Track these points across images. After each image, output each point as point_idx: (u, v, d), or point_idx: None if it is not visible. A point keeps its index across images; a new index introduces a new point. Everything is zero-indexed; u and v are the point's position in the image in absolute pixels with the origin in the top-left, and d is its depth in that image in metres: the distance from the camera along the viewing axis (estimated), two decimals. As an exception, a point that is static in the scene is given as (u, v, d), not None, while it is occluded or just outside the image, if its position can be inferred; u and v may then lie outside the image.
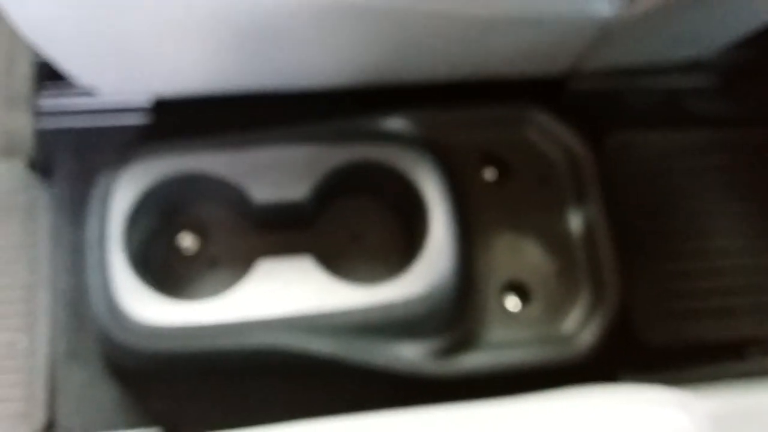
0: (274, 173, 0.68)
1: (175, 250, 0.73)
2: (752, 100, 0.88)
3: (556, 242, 0.76)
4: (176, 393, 0.70)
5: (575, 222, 0.77)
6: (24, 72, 0.83)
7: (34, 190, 0.77)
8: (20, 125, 0.81)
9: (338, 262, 0.70)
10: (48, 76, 0.77)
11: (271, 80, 0.74)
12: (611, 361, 0.73)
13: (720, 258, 0.81)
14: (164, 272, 0.72)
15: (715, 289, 0.80)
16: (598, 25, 0.68)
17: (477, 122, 0.79)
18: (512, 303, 0.74)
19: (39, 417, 0.69)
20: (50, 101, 0.78)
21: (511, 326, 0.72)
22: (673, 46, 0.79)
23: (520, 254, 0.75)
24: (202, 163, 0.68)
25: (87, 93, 0.76)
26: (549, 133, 0.79)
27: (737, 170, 0.84)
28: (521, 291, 0.75)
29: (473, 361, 0.69)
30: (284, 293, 0.64)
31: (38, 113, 0.78)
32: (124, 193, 0.66)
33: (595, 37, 0.71)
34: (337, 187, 0.72)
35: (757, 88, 0.88)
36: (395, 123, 0.75)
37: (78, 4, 0.56)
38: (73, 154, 0.78)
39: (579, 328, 0.72)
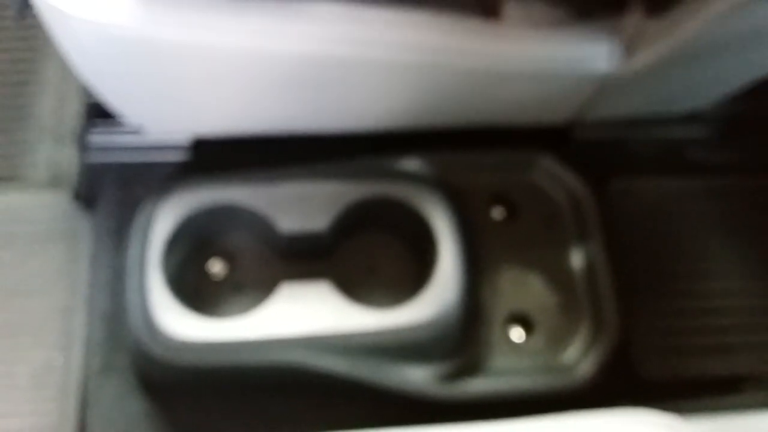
0: (298, 206, 0.73)
1: (206, 275, 0.78)
2: (747, 149, 0.91)
3: (559, 278, 0.79)
4: (202, 408, 0.74)
5: (577, 260, 0.80)
6: (73, 111, 0.89)
7: (76, 218, 0.83)
8: (67, 159, 0.87)
9: (354, 289, 0.74)
10: (97, 114, 0.83)
11: (299, 124, 0.80)
12: (609, 393, 0.74)
13: (717, 298, 0.84)
14: (195, 294, 0.76)
15: (712, 328, 0.82)
16: (599, 80, 0.73)
17: (487, 165, 0.83)
18: (516, 334, 0.78)
19: (71, 428, 0.73)
20: (98, 138, 0.84)
21: (514, 355, 0.76)
22: (671, 100, 0.84)
23: (524, 288, 0.79)
24: (234, 195, 0.73)
25: (132, 131, 0.82)
26: (554, 177, 0.83)
27: (734, 215, 0.87)
28: (525, 322, 0.78)
29: (478, 386, 0.73)
30: (303, 314, 0.69)
31: (86, 148, 0.84)
32: (163, 221, 0.71)
33: (596, 91, 0.75)
34: (355, 221, 0.76)
35: (751, 138, 0.92)
36: (411, 164, 0.80)
37: (131, 59, 0.62)
38: (116, 187, 0.83)
39: (579, 359, 0.75)
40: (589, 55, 0.70)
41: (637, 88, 0.76)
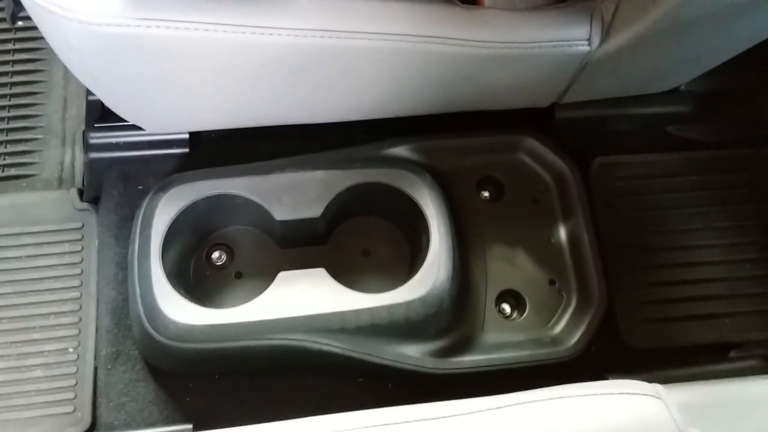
0: (293, 195, 0.73)
1: (207, 264, 0.78)
2: (725, 124, 0.91)
3: (547, 254, 0.79)
4: (206, 391, 0.74)
5: (563, 236, 0.80)
6: (76, 114, 0.90)
7: (83, 215, 0.83)
8: (73, 159, 0.88)
9: (350, 274, 0.74)
10: (98, 113, 0.83)
11: (292, 116, 0.79)
12: (598, 363, 0.75)
13: (700, 268, 0.83)
14: (197, 283, 0.76)
15: (696, 297, 0.82)
16: (579, 61, 0.72)
17: (475, 148, 0.83)
18: (507, 309, 0.78)
19: (85, 416, 0.74)
20: (99, 135, 0.83)
21: (505, 330, 0.76)
22: (649, 78, 0.83)
23: (514, 265, 0.79)
24: (231, 187, 0.73)
25: (131, 128, 0.81)
26: (539, 157, 0.83)
27: (713, 188, 0.87)
28: (515, 298, 0.78)
29: (471, 360, 0.73)
30: (301, 299, 0.69)
31: (89, 146, 0.83)
32: (163, 213, 0.71)
33: (577, 72, 0.75)
34: (348, 207, 0.76)
35: (729, 113, 0.92)
36: (400, 150, 0.80)
37: (122, 57, 0.62)
38: (118, 182, 0.83)
39: (568, 332, 0.75)
40: (569, 37, 0.69)
41: (616, 67, 0.75)
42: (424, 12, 0.65)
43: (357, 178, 0.74)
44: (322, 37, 0.62)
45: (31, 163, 0.88)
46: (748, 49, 0.75)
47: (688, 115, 0.89)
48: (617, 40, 0.70)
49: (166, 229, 0.70)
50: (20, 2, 0.57)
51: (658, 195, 0.86)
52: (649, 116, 0.88)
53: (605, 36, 0.69)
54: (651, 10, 0.66)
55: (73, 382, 0.76)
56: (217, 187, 0.73)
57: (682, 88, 0.88)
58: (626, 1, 0.68)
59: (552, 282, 0.78)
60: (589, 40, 0.69)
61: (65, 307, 0.79)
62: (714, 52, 0.77)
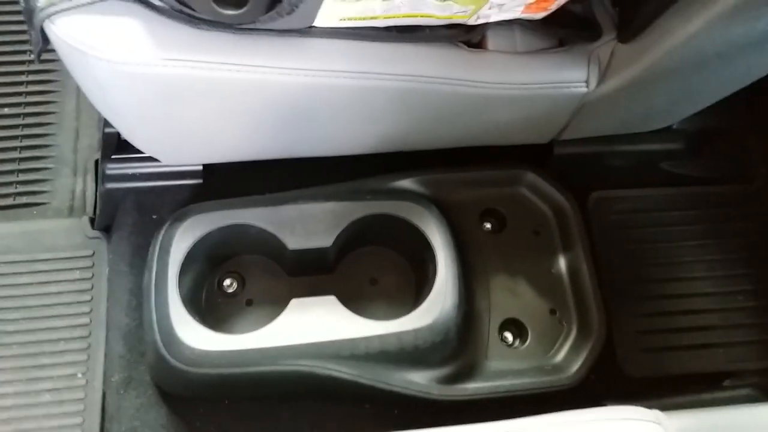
0: (304, 225, 0.75)
1: (220, 292, 0.80)
2: (717, 161, 0.94)
3: (547, 285, 0.82)
4: (216, 416, 0.75)
5: (564, 267, 0.83)
6: (89, 143, 0.92)
7: (94, 243, 0.85)
8: (84, 189, 0.89)
9: (357, 302, 0.75)
10: (114, 144, 0.85)
11: (302, 150, 0.82)
12: (597, 391, 0.77)
13: (694, 299, 0.86)
14: (209, 310, 0.78)
15: (692, 328, 0.84)
16: (577, 102, 0.76)
17: (478, 182, 0.86)
18: (509, 337, 0.80)
19: (93, 443, 0.74)
20: (114, 166, 0.85)
21: (508, 358, 0.78)
22: (644, 117, 0.86)
23: (516, 295, 0.81)
24: (245, 217, 0.75)
25: (146, 159, 0.84)
26: (539, 190, 0.86)
27: (707, 222, 0.90)
28: (517, 327, 0.80)
29: (475, 387, 0.74)
30: (312, 326, 0.70)
31: (103, 176, 0.85)
32: (180, 242, 0.73)
33: (575, 111, 0.78)
34: (357, 237, 0.78)
35: (719, 150, 0.95)
36: (406, 183, 0.83)
37: (146, 95, 0.64)
38: (131, 213, 0.84)
39: (568, 360, 0.77)
40: (568, 79, 0.72)
41: (612, 107, 0.78)
42: (432, 54, 0.68)
43: (367, 209, 0.76)
44: (335, 77, 0.65)
45: (42, 192, 0.90)
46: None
47: (680, 152, 0.92)
48: (613, 83, 0.73)
49: (183, 257, 0.72)
50: (48, 39, 0.60)
51: (654, 228, 0.88)
52: (643, 153, 0.91)
53: (602, 78, 0.73)
54: (645, 55, 0.70)
55: (81, 407, 0.77)
56: (232, 217, 0.75)
57: (675, 126, 0.92)
58: (622, 46, 0.72)
59: (553, 311, 0.80)
60: (586, 81, 0.73)
61: (75, 333, 0.80)
62: (706, 93, 0.81)
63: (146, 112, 0.67)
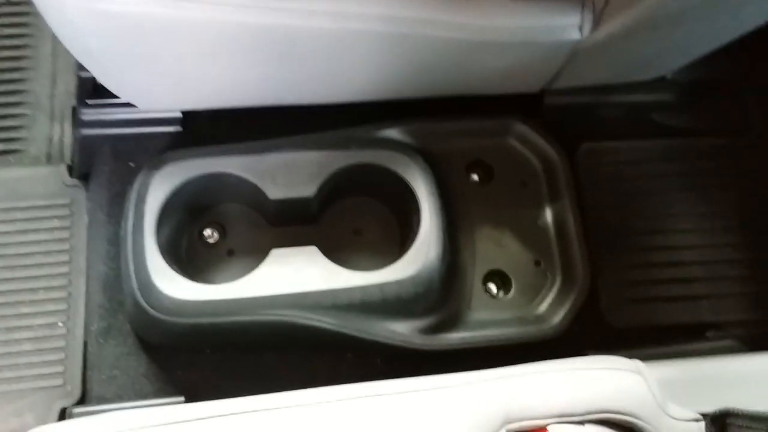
0: (286, 174, 0.73)
1: (200, 241, 0.78)
2: (709, 113, 0.93)
3: (533, 236, 0.81)
4: (197, 365, 0.75)
5: (549, 219, 0.82)
6: (66, 89, 0.88)
7: (72, 191, 0.83)
8: (62, 136, 0.87)
9: (341, 253, 0.75)
10: (91, 89, 0.83)
11: (285, 97, 0.79)
12: (580, 341, 0.77)
13: (680, 251, 0.86)
14: (190, 259, 0.77)
15: (676, 279, 0.84)
16: (569, 49, 0.73)
17: (465, 132, 0.84)
18: (493, 288, 0.80)
19: (75, 389, 0.74)
20: (91, 112, 0.83)
21: (492, 309, 0.78)
22: (636, 67, 0.84)
23: (501, 246, 0.80)
24: (224, 165, 0.73)
25: (124, 105, 0.81)
26: (527, 141, 0.84)
27: (696, 175, 0.89)
28: (501, 278, 0.80)
29: (458, 337, 0.74)
30: (293, 276, 0.69)
31: (80, 123, 0.83)
32: (157, 191, 0.71)
33: (567, 59, 0.76)
34: (340, 187, 0.77)
35: (712, 102, 0.93)
36: (392, 132, 0.81)
37: (119, 35, 0.62)
38: (110, 160, 0.82)
39: (552, 310, 0.77)
40: (560, 24, 0.70)
41: (604, 55, 0.76)
42: (419, -5, 0.65)
43: (350, 159, 0.75)
44: (317, 18, 0.63)
45: (18, 139, 0.87)
46: (735, 39, 0.77)
47: (674, 103, 0.91)
48: (607, 29, 0.71)
49: (161, 206, 0.70)
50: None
51: (643, 180, 0.88)
52: (635, 104, 0.90)
53: (596, 24, 0.70)
54: (638, 2, 0.67)
55: (62, 355, 0.76)
56: (211, 166, 0.73)
57: (669, 76, 0.90)
58: (617, -10, 0.69)
59: (537, 263, 0.80)
60: (580, 27, 0.70)
61: (54, 282, 0.79)
62: (701, 42, 0.79)
63: (120, 54, 0.64)
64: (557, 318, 0.76)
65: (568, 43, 0.72)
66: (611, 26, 0.70)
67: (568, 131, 0.86)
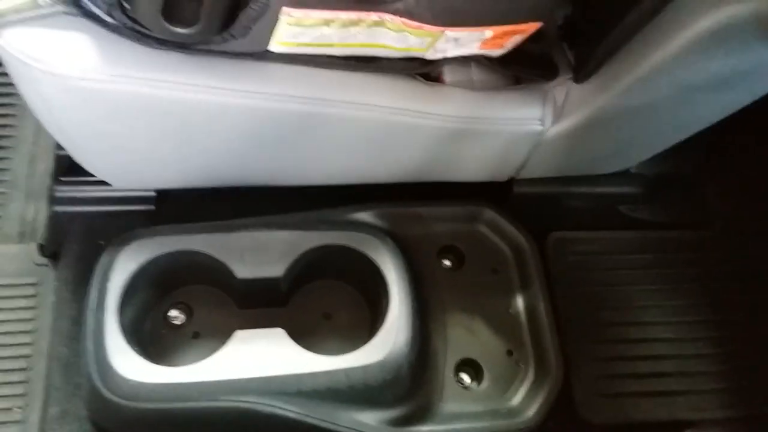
0: (255, 254, 0.72)
1: (165, 323, 0.76)
2: (673, 206, 0.94)
3: (505, 325, 0.79)
4: (154, 455, 0.71)
5: (521, 307, 0.81)
6: (44, 170, 0.88)
7: (41, 270, 0.81)
8: (36, 215, 0.86)
9: (310, 338, 0.72)
10: (66, 167, 0.83)
11: (258, 179, 0.80)
12: (554, 436, 0.74)
13: (655, 345, 0.84)
14: (153, 341, 0.74)
15: (650, 374, 0.82)
16: (533, 139, 0.76)
17: (436, 217, 0.85)
18: (466, 379, 0.77)
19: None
20: (65, 189, 0.83)
21: (463, 400, 0.74)
22: (600, 159, 0.87)
23: (472, 335, 0.78)
24: (192, 243, 0.72)
25: (98, 183, 0.81)
26: (498, 228, 0.85)
27: (665, 267, 0.89)
28: (473, 368, 0.77)
29: (429, 430, 0.71)
30: (256, 359, 0.67)
31: (53, 200, 0.83)
32: (122, 269, 0.70)
33: (532, 150, 0.78)
34: (310, 268, 0.76)
35: (676, 195, 0.95)
36: (364, 215, 0.81)
37: (93, 112, 0.62)
38: (80, 238, 0.82)
39: (525, 403, 0.74)
40: (522, 116, 0.73)
41: (569, 147, 0.78)
42: (389, 84, 0.68)
43: (320, 239, 0.74)
44: (290, 102, 0.64)
45: (-6, 217, 0.86)
46: (695, 133, 0.80)
47: (638, 195, 0.92)
48: (569, 122, 0.73)
49: (125, 284, 0.69)
50: (-4, 55, 0.58)
51: (612, 271, 0.87)
52: (601, 195, 0.91)
53: (557, 117, 0.73)
54: (600, 96, 0.70)
55: (19, 440, 0.72)
56: (178, 243, 0.72)
57: (633, 170, 0.92)
58: (577, 86, 0.72)
59: (510, 352, 0.78)
60: (541, 120, 0.73)
61: (14, 365, 0.76)
62: (661, 137, 0.82)
63: (94, 131, 0.65)
64: (531, 411, 0.73)
65: (530, 134, 0.74)
66: (572, 120, 0.73)
67: (537, 220, 0.87)
